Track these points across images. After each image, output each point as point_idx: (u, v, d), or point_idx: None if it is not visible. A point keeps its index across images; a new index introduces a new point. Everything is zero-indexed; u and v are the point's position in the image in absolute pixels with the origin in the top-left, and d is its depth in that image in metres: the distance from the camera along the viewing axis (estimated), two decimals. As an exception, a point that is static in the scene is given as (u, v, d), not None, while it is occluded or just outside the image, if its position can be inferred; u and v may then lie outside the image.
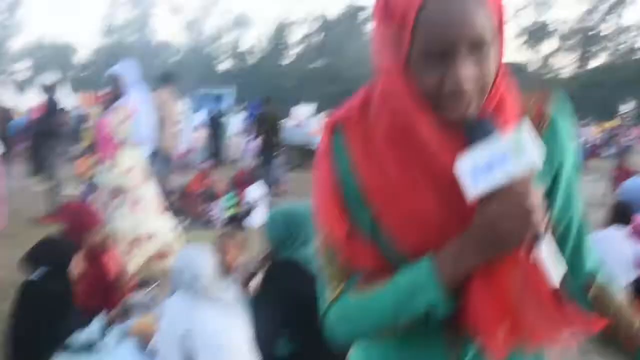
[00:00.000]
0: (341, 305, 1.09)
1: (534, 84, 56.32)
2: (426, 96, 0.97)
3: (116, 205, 5.26)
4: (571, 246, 1.13)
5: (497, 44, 0.99)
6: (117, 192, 5.30)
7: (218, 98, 32.52)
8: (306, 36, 65.05)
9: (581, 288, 1.12)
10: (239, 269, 3.73)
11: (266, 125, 11.96)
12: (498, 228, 0.92)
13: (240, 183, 9.08)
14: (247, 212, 8.52)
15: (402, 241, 1.04)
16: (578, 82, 57.19)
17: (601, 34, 61.13)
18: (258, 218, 8.61)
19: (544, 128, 1.08)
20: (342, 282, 1.09)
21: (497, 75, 1.01)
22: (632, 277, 4.64)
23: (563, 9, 61.18)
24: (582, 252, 1.14)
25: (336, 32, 59.14)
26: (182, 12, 67.73)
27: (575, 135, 1.14)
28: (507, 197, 0.91)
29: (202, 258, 3.13)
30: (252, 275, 3.60)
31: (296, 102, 44.71)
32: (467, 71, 0.95)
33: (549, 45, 62.52)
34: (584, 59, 62.19)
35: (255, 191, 8.71)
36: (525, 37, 62.07)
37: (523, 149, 0.91)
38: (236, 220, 8.60)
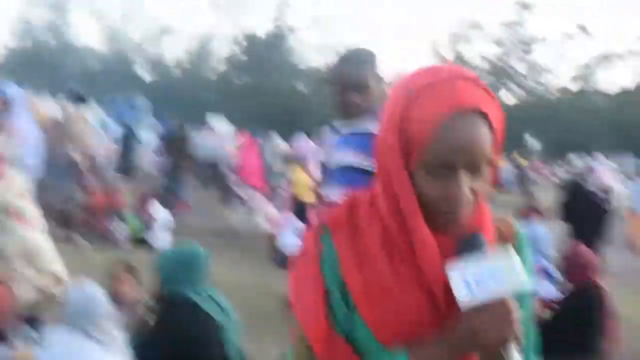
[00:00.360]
0: None
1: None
2: (424, 203, 1.10)
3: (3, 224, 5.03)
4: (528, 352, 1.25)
5: (491, 163, 1.12)
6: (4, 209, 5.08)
7: (131, 105, 32.03)
8: (232, 52, 64.70)
9: None
10: (132, 303, 3.64)
11: (175, 148, 12.09)
12: (481, 336, 1.04)
13: (145, 202, 8.88)
14: (147, 229, 8.36)
15: (385, 335, 1.12)
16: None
17: (516, 72, 63.82)
18: (162, 238, 8.47)
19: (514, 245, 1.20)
20: None
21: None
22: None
23: (480, 45, 63.51)
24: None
25: (262, 50, 59.12)
26: (103, 17, 65.86)
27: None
28: (495, 309, 1.03)
29: (96, 296, 3.02)
30: (145, 310, 3.52)
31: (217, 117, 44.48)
32: (467, 189, 1.07)
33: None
34: (499, 96, 64.79)
35: (160, 211, 8.54)
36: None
37: (513, 269, 1.03)
38: (140, 240, 8.40)
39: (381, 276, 1.11)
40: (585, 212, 8.54)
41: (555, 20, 78.69)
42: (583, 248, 5.00)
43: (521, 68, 63.79)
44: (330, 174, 2.76)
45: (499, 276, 1.02)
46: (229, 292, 6.21)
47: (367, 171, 2.49)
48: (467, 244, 1.08)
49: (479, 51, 63.82)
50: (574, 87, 63.02)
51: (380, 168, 1.16)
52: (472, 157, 1.06)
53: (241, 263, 8.26)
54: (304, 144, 13.81)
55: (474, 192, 1.09)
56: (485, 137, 1.07)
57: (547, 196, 22.43)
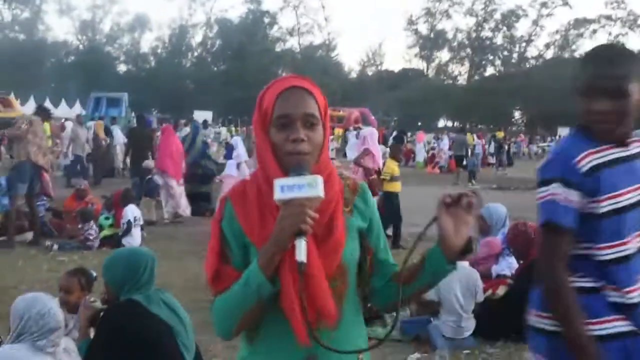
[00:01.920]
0: (213, 307, 1.63)
1: (434, 89, 58.10)
2: (278, 150, 1.58)
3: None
4: (383, 255, 1.77)
5: (322, 127, 1.63)
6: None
7: (114, 101, 31.78)
8: (206, 39, 64.07)
9: (389, 276, 1.74)
10: (83, 310, 3.63)
11: (135, 142, 12.11)
12: (281, 223, 1.49)
13: (117, 202, 8.85)
14: (125, 233, 8.33)
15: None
16: (472, 89, 59.48)
17: (493, 43, 63.78)
18: (136, 238, 8.45)
19: (357, 195, 1.74)
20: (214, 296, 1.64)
21: (323, 147, 1.63)
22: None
23: (457, 19, 63.53)
24: (389, 257, 1.79)
25: (237, 36, 58.59)
26: (74, 10, 64.80)
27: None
28: (292, 203, 1.48)
29: (48, 309, 3.01)
30: (96, 315, 3.52)
31: (195, 107, 44.17)
32: (301, 130, 1.57)
33: (443, 54, 64.58)
34: (477, 67, 64.78)
35: (133, 211, 8.51)
36: (420, 46, 63.84)
37: (315, 185, 1.49)
38: (113, 241, 8.39)
39: (254, 219, 1.62)
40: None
41: (530, -11, 78.35)
42: (531, 224, 5.06)
43: (499, 39, 63.98)
44: None
45: (303, 187, 1.48)
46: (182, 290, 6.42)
47: None
48: (293, 169, 1.54)
49: (455, 24, 64.20)
50: (549, 54, 63.33)
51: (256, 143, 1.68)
52: (301, 111, 1.57)
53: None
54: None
55: (310, 139, 1.58)
56: (310, 103, 1.60)
57: (526, 170, 22.55)
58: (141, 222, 8.69)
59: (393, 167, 9.40)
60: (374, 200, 1.79)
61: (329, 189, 1.57)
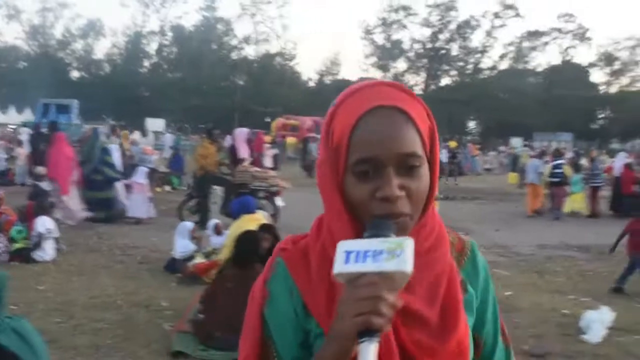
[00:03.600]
0: None
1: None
2: (358, 209, 1.05)
3: None
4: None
5: (428, 164, 1.09)
6: None
7: (63, 108, 31.00)
8: (162, 47, 63.45)
9: None
10: None
11: (36, 149, 11.97)
12: (341, 313, 0.96)
13: (30, 213, 8.43)
14: (35, 246, 7.92)
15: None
16: (428, 99, 60.03)
17: (449, 54, 64.56)
18: (47, 252, 8.06)
19: (465, 259, 1.21)
20: None
21: (431, 193, 1.09)
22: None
23: (413, 30, 64.05)
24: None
25: (193, 43, 58.11)
26: (23, 13, 63.33)
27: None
28: (359, 282, 0.95)
29: None
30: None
31: (150, 114, 43.61)
32: (396, 181, 1.02)
33: (399, 64, 65.14)
34: (433, 77, 65.43)
35: (44, 223, 8.11)
36: (376, 57, 64.23)
37: (400, 254, 0.96)
38: (23, 255, 7.98)
39: (322, 298, 1.09)
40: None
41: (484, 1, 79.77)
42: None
43: (454, 50, 64.71)
44: None
45: (380, 256, 0.97)
46: (106, 306, 6.12)
47: None
48: (371, 226, 1.03)
49: (411, 35, 64.70)
50: (504, 65, 64.34)
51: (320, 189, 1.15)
52: (396, 152, 1.03)
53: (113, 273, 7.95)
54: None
55: (410, 192, 1.04)
56: (406, 132, 1.04)
57: (475, 180, 22.78)
58: (56, 235, 8.30)
59: None
60: (485, 264, 1.25)
61: (438, 257, 1.11)
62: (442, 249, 1.13)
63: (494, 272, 8.42)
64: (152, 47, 63.60)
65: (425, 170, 1.07)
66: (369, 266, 0.96)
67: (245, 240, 5.53)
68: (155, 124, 38.81)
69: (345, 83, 65.39)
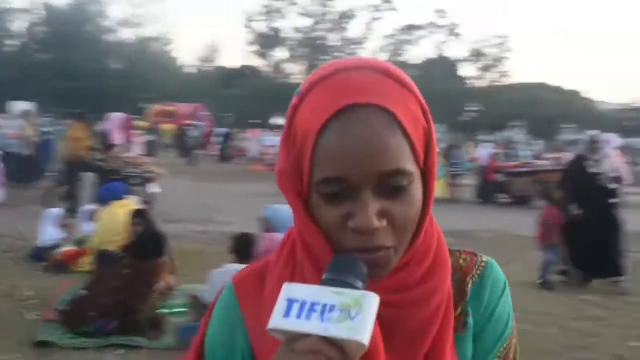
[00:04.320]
0: None
1: (270, 87, 58.57)
2: (328, 235, 0.81)
3: None
4: None
5: (422, 177, 0.82)
6: None
7: None
8: (32, 26, 60.00)
9: None
10: None
11: None
12: None
13: None
14: None
15: None
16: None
17: (329, 44, 65.58)
18: None
19: (471, 283, 0.93)
20: None
21: (423, 218, 0.84)
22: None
23: (294, 19, 64.61)
24: None
25: (65, 23, 55.36)
26: None
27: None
28: (299, 345, 0.71)
29: None
30: None
31: (18, 97, 41.09)
32: (375, 206, 0.77)
33: (280, 53, 65.48)
34: (313, 68, 66.24)
35: None
36: (258, 44, 64.22)
37: (355, 316, 0.72)
38: None
39: (271, 340, 0.79)
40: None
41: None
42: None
43: (334, 41, 65.77)
44: None
45: (329, 314, 0.72)
46: None
47: None
48: (334, 265, 0.78)
49: (292, 24, 65.08)
50: (382, 58, 66.29)
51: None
52: (374, 171, 0.76)
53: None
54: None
55: (393, 220, 0.79)
56: (390, 142, 0.76)
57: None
58: None
59: None
60: (499, 282, 0.96)
61: (432, 290, 0.86)
62: (438, 278, 0.87)
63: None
64: (19, 25, 59.91)
65: (416, 188, 0.80)
66: (312, 326, 0.72)
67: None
68: (21, 107, 36.71)
69: (227, 71, 65.05)
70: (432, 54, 65.59)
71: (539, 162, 17.82)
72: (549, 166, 16.04)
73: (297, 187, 0.82)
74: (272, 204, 6.01)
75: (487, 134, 50.64)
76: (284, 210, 5.96)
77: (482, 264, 0.95)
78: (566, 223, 7.39)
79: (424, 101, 0.83)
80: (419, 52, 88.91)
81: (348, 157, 0.75)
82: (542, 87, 59.38)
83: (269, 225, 5.69)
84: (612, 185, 7.25)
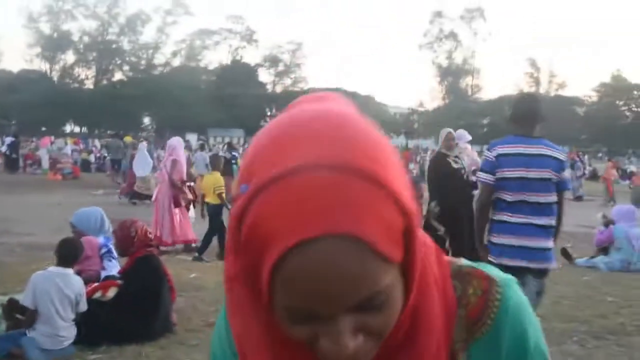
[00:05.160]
0: None
1: (59, 92, 55.11)
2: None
3: None
4: None
5: (401, 268, 0.71)
6: None
7: None
8: None
9: None
10: None
11: None
12: None
13: None
14: None
15: None
16: (100, 94, 58.08)
17: (122, 48, 63.41)
18: None
19: (481, 332, 0.82)
20: None
21: (404, 308, 0.74)
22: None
23: (82, 21, 61.24)
24: None
25: None
26: None
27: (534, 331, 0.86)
28: None
29: None
30: None
31: None
32: (350, 325, 0.68)
33: (68, 56, 62.12)
34: (104, 72, 63.55)
35: None
36: (42, 46, 60.36)
37: None
38: None
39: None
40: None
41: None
42: (134, 222, 5.05)
43: (125, 44, 63.68)
44: None
45: None
46: None
47: None
48: None
49: (80, 26, 61.80)
50: (177, 62, 65.46)
51: None
52: (347, 302, 0.67)
53: None
54: None
55: (371, 331, 0.70)
56: (364, 271, 0.66)
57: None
58: None
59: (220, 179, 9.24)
60: (525, 332, 0.84)
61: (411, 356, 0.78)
62: (420, 342, 0.79)
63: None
64: None
65: (395, 292, 0.71)
66: None
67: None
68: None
69: (6, 74, 59.91)
70: (227, 59, 66.17)
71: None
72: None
73: (254, 295, 0.73)
74: (73, 211, 6.04)
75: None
76: (88, 214, 5.91)
77: (498, 302, 0.83)
78: (444, 216, 7.17)
79: (396, 185, 0.68)
80: (214, 57, 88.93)
81: (316, 293, 0.66)
82: (338, 91, 62.53)
83: (77, 231, 5.63)
84: (474, 178, 7.02)
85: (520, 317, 0.84)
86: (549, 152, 3.94)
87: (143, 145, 18.45)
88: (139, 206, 14.49)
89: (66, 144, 30.16)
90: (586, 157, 35.60)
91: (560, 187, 3.98)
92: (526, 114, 4.02)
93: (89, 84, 63.67)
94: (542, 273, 3.99)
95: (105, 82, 62.59)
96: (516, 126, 4.06)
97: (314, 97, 0.80)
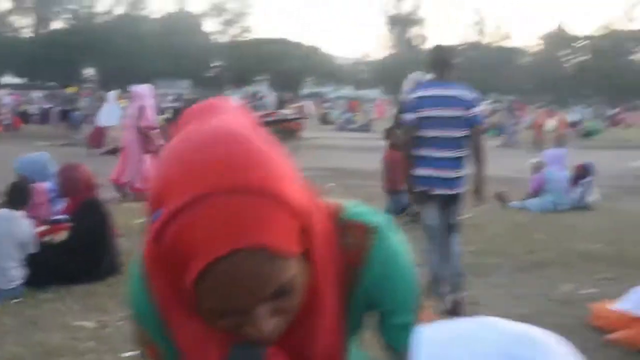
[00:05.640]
0: None
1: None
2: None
3: None
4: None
5: (303, 257, 0.88)
6: None
7: None
8: None
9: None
10: None
11: None
12: None
13: None
14: None
15: None
16: (40, 43, 56.06)
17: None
18: None
19: (359, 278, 1.00)
20: None
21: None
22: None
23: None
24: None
25: None
26: None
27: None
28: None
29: None
30: None
31: None
32: (267, 314, 0.85)
33: (3, 4, 59.46)
34: (43, 20, 61.23)
35: None
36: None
37: None
38: None
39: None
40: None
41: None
42: (78, 165, 5.11)
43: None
44: None
45: None
46: None
47: None
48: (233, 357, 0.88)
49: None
50: (119, 11, 63.46)
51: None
52: (260, 297, 0.83)
53: None
54: None
55: (284, 310, 0.88)
56: (272, 272, 0.82)
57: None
58: None
59: None
60: (392, 250, 1.02)
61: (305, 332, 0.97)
62: (316, 305, 0.96)
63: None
64: None
65: (300, 277, 0.87)
66: None
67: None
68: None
69: None
70: (172, 8, 64.43)
71: (282, 111, 19.16)
72: (292, 115, 17.37)
73: (174, 280, 0.85)
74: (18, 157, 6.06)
75: (233, 88, 51.69)
76: (34, 159, 5.93)
77: (368, 249, 1.00)
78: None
79: (288, 193, 0.83)
80: (159, 6, 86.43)
81: (235, 296, 0.81)
82: (283, 42, 61.66)
83: (22, 177, 5.65)
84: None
85: (388, 263, 1.01)
86: (458, 93, 4.45)
87: (112, 94, 17.64)
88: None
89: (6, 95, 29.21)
90: (531, 107, 36.25)
91: (471, 122, 4.45)
92: (437, 62, 4.56)
93: (27, 33, 61.34)
94: (455, 198, 4.52)
95: (44, 31, 60.36)
96: (432, 72, 4.65)
97: (207, 108, 0.93)
